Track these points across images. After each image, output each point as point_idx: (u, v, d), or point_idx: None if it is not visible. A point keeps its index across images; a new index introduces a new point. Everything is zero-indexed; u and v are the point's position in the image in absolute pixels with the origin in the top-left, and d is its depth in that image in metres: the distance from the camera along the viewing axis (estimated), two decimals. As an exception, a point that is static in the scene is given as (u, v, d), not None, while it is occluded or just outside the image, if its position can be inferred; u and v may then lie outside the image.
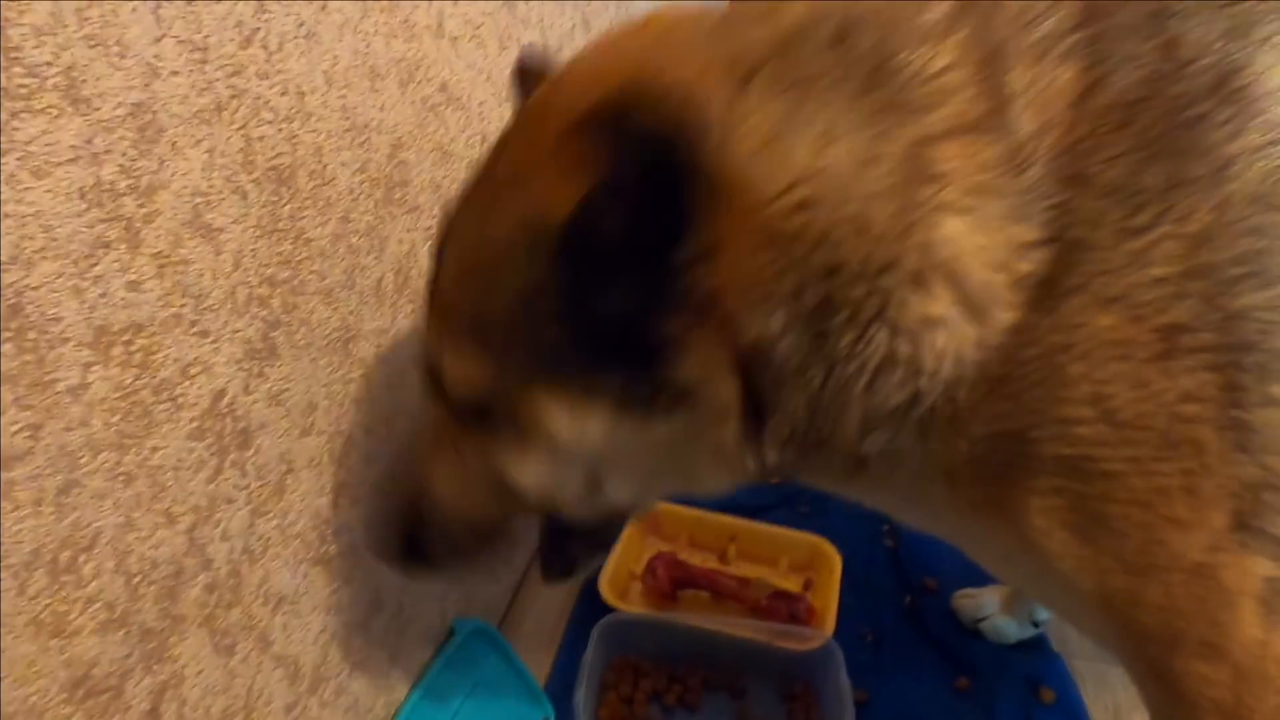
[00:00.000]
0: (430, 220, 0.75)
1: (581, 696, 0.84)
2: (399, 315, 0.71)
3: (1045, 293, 0.46)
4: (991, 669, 1.02)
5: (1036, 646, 1.05)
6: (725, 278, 0.44)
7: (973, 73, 0.46)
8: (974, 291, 0.46)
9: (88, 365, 0.41)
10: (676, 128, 0.41)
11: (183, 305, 0.47)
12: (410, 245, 0.72)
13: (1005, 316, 0.46)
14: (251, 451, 0.54)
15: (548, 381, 0.49)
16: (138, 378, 0.44)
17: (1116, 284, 0.45)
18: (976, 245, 0.45)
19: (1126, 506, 0.47)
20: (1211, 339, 0.44)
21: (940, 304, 0.46)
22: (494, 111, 0.86)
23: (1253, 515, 0.46)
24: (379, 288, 0.68)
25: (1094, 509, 0.48)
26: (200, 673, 0.52)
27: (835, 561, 1.09)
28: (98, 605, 0.43)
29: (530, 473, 0.54)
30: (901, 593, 1.14)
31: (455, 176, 0.79)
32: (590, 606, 1.01)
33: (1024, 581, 0.65)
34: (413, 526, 0.60)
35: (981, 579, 1.12)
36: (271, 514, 0.57)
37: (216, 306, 0.50)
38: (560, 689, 0.92)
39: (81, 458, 0.41)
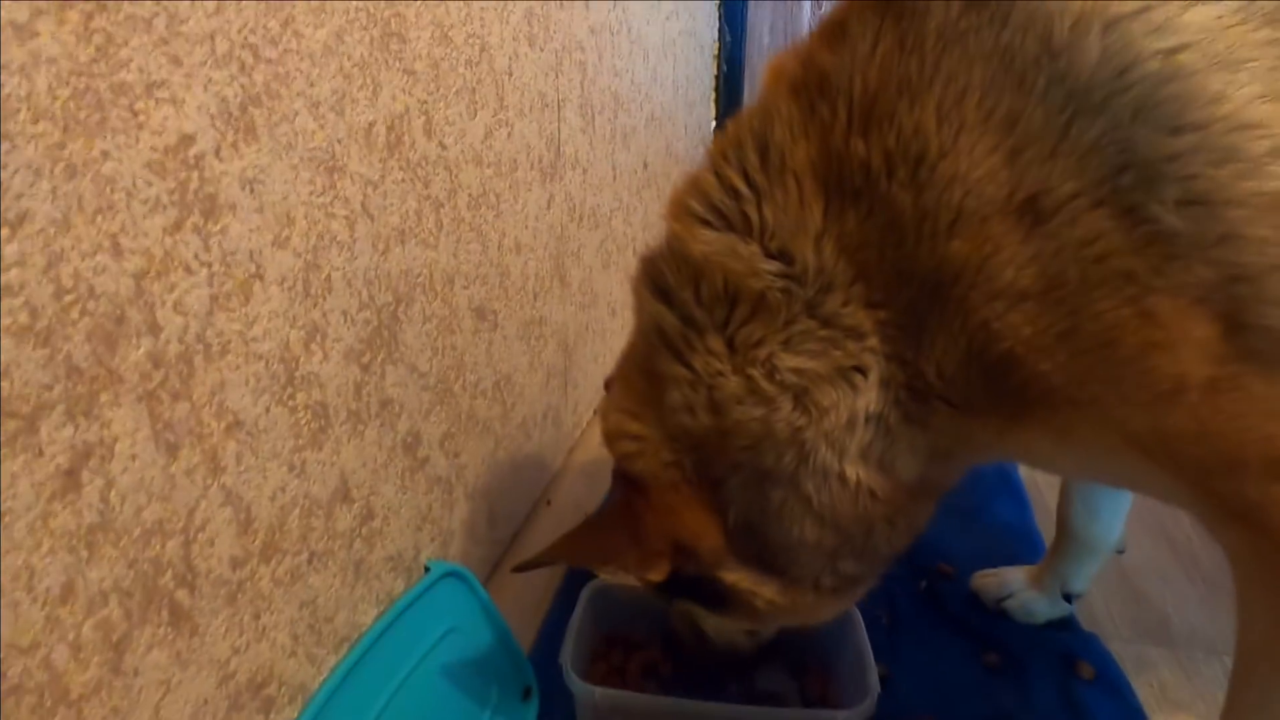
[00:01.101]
0: (425, 95, 0.71)
1: (568, 656, 0.74)
2: (387, 174, 0.66)
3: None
4: (1022, 646, 0.92)
5: (1068, 626, 0.96)
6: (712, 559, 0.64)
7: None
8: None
9: (39, 12, 0.36)
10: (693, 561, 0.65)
11: (155, 15, 0.42)
12: (405, 107, 0.68)
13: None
14: (217, 228, 0.48)
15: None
16: (94, 60, 0.39)
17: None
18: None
19: (1098, 352, 0.47)
20: (1073, 186, 0.44)
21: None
22: (494, 26, 0.85)
23: (1241, 314, 0.42)
24: (369, 133, 0.63)
25: (1075, 369, 0.48)
26: (134, 459, 0.43)
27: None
28: (18, 302, 0.36)
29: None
30: (915, 578, 1.05)
31: (454, 64, 0.76)
32: (580, 578, 0.91)
33: (1084, 470, 0.61)
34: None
35: (994, 561, 1.04)
36: (235, 315, 0.50)
37: (191, 35, 0.45)
38: (544, 660, 0.82)
39: (19, 117, 0.36)
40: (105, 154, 0.40)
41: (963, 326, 0.49)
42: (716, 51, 2.40)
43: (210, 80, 0.47)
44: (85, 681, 0.41)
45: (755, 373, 0.55)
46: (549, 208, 1.07)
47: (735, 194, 0.55)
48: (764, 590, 0.64)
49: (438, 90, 0.74)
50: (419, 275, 0.73)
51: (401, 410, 0.72)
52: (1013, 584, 0.99)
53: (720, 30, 2.40)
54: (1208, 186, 0.41)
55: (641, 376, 0.63)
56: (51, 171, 0.37)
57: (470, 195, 0.83)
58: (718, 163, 0.57)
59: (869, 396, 0.54)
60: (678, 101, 1.92)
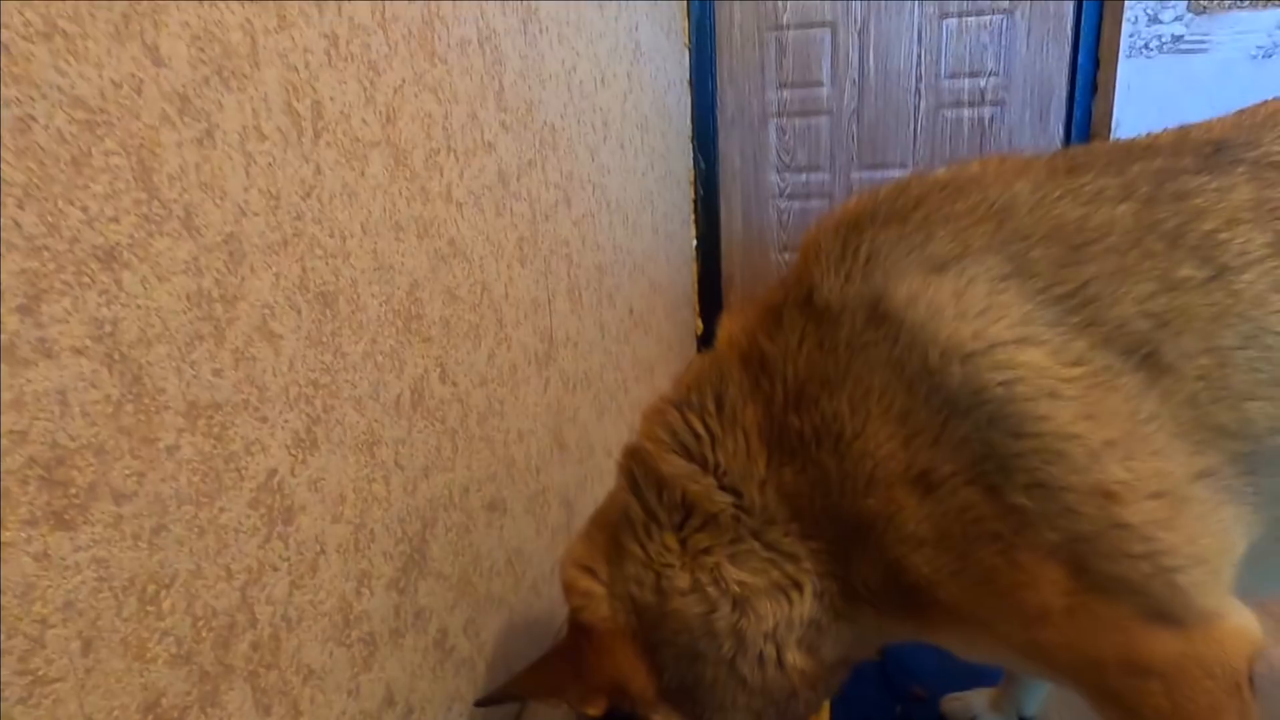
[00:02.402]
0: (440, 350, 0.87)
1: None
2: (413, 428, 0.82)
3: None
4: (986, 767, 1.04)
5: (1027, 744, 1.08)
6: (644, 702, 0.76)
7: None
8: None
9: (180, 431, 0.52)
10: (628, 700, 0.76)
11: (249, 393, 0.58)
12: (424, 369, 0.84)
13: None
14: (293, 528, 0.63)
15: None
16: (215, 445, 0.55)
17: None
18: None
19: (981, 586, 0.61)
20: (951, 468, 0.59)
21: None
22: (491, 265, 1.02)
23: (1082, 561, 0.57)
24: (398, 402, 0.79)
25: (965, 598, 0.63)
26: (242, 726, 0.58)
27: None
28: (170, 639, 0.51)
29: None
30: (891, 703, 1.17)
31: (460, 315, 0.93)
32: None
33: (990, 661, 0.74)
34: None
35: (966, 683, 1.16)
36: (306, 588, 0.65)
37: (273, 398, 0.61)
38: (564, 809, 0.94)
39: (170, 506, 0.51)
40: (222, 509, 0.55)
41: (880, 558, 0.64)
42: (693, 179, 2.60)
43: (285, 421, 0.62)
44: None
45: (702, 576, 0.69)
46: (545, 390, 1.23)
47: (696, 435, 0.70)
48: None
49: (449, 342, 0.90)
50: (440, 497, 0.88)
51: (431, 614, 0.86)
52: (975, 707, 1.11)
53: (695, 160, 2.61)
54: (1045, 477, 0.56)
55: (604, 538, 0.77)
56: (190, 536, 0.52)
57: (479, 413, 0.98)
58: (682, 401, 0.72)
59: (804, 606, 0.68)
60: (657, 241, 2.11)
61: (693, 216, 2.65)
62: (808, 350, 0.65)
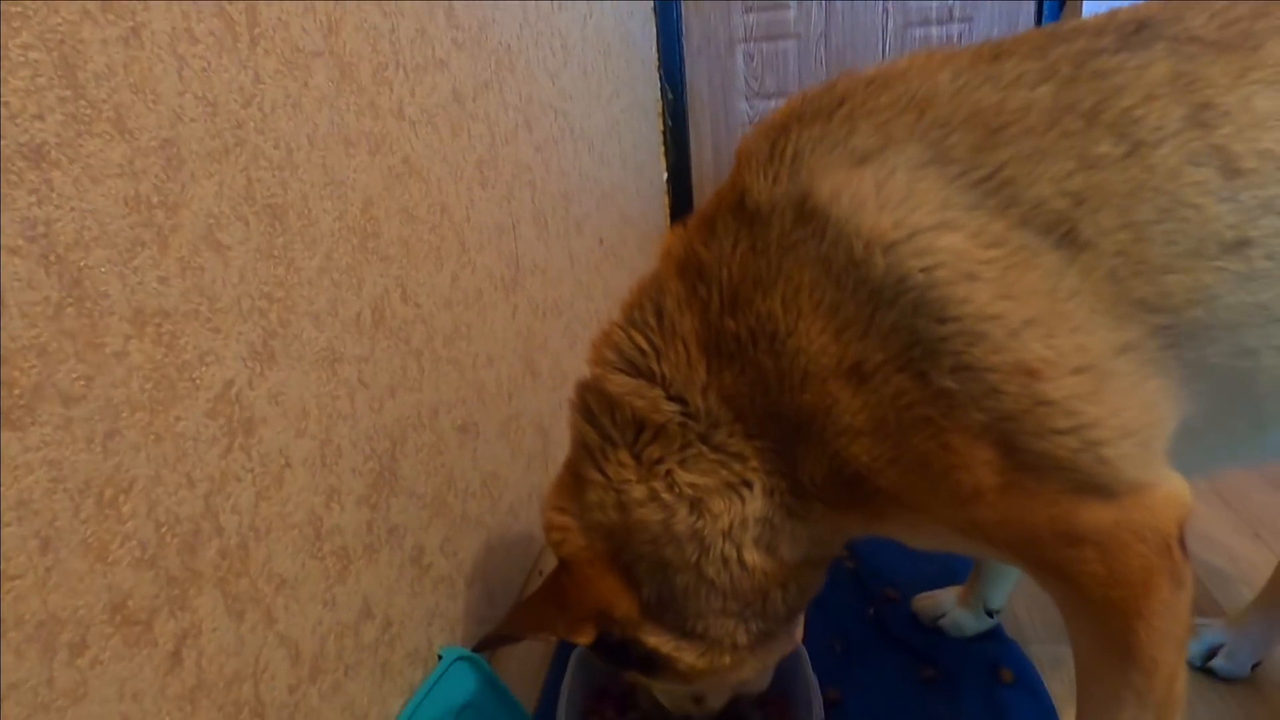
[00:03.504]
0: (400, 270, 0.87)
1: (562, 715, 0.89)
2: (376, 347, 0.82)
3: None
4: (954, 659, 1.08)
5: (994, 636, 1.12)
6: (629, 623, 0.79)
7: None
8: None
9: (127, 337, 0.51)
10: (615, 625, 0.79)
11: (199, 303, 0.57)
12: (384, 288, 0.83)
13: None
14: (255, 440, 0.63)
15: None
16: (166, 354, 0.54)
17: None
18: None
19: (918, 471, 0.63)
20: (881, 357, 0.60)
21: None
22: (450, 186, 1.00)
23: (1011, 441, 0.59)
24: (359, 320, 0.79)
25: (904, 484, 0.64)
26: (215, 630, 0.58)
27: (798, 578, 1.16)
28: (133, 543, 0.51)
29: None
30: (865, 605, 1.20)
31: (420, 236, 0.92)
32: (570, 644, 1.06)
33: (936, 547, 0.76)
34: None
35: (936, 583, 1.19)
36: (273, 500, 0.65)
37: (225, 309, 0.60)
38: (547, 716, 0.97)
39: (122, 411, 0.51)
40: (178, 418, 0.55)
41: (822, 452, 0.65)
42: (661, 109, 2.56)
43: (240, 333, 0.62)
44: (198, 802, 0.56)
45: (657, 485, 0.71)
46: (514, 316, 1.23)
47: (641, 350, 0.71)
48: (685, 654, 0.78)
49: (409, 262, 0.89)
50: (409, 417, 0.89)
51: (406, 531, 0.87)
52: (945, 604, 1.15)
53: (662, 89, 2.57)
54: (969, 359, 0.57)
55: (571, 478, 0.79)
56: (147, 443, 0.53)
57: (444, 335, 0.98)
58: (626, 320, 0.74)
59: (756, 503, 0.70)
60: (626, 172, 2.09)
61: (662, 149, 2.62)
62: (741, 254, 0.66)
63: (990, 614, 1.11)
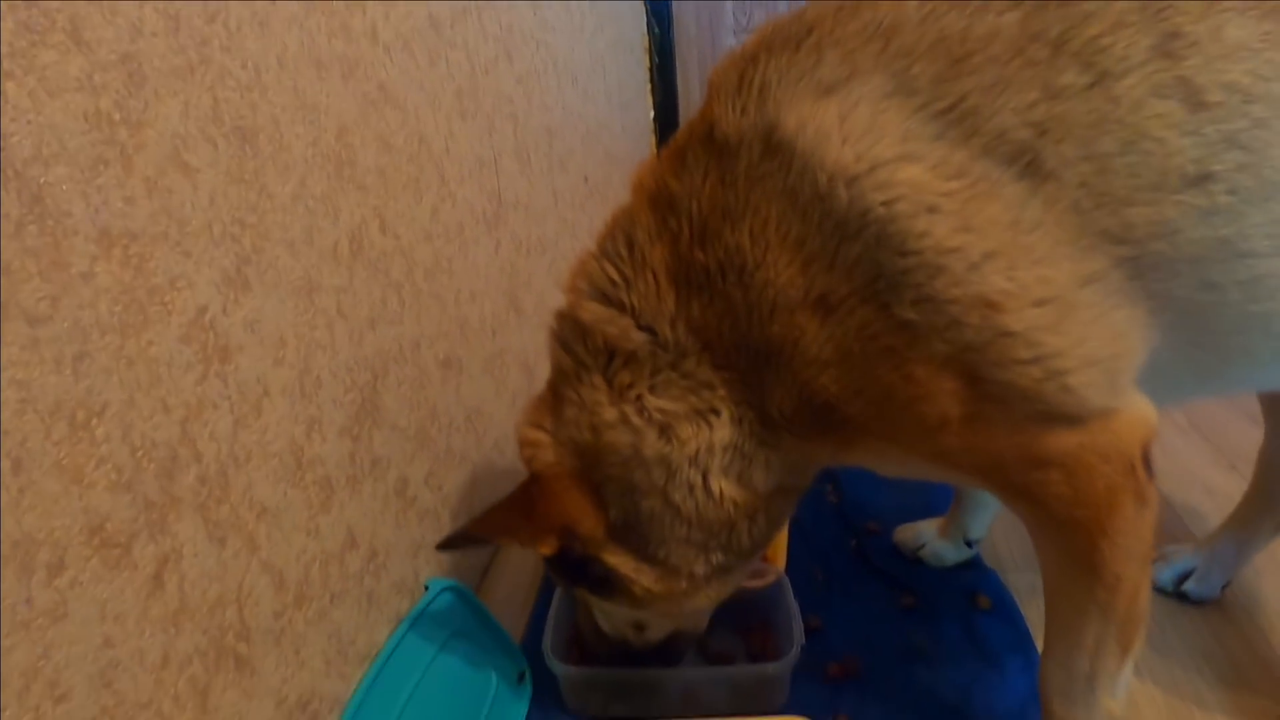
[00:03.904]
0: (377, 200, 0.85)
1: (548, 642, 0.91)
2: (354, 278, 0.81)
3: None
4: (934, 587, 1.10)
5: (973, 565, 1.14)
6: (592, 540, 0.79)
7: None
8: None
9: (94, 258, 0.50)
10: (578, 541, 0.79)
11: (168, 225, 0.56)
12: (361, 218, 0.82)
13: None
14: (231, 367, 0.63)
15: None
16: (135, 276, 0.53)
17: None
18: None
19: (884, 401, 0.63)
20: (847, 289, 0.60)
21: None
22: (428, 116, 0.98)
23: (974, 371, 0.59)
24: (335, 249, 0.77)
25: (871, 413, 0.64)
26: (197, 555, 0.59)
27: (781, 512, 1.17)
28: (108, 466, 0.51)
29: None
30: (847, 538, 1.22)
31: (398, 166, 0.90)
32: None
33: (905, 474, 0.76)
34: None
35: (917, 516, 1.21)
36: (252, 428, 0.65)
37: (196, 233, 0.59)
38: (534, 645, 0.98)
39: (91, 334, 0.50)
40: (150, 342, 0.55)
41: (790, 383, 0.65)
42: (647, 45, 2.51)
43: (212, 259, 0.61)
44: (185, 720, 0.57)
45: (627, 409, 0.71)
46: (497, 252, 1.21)
47: (612, 281, 0.71)
48: (642, 577, 0.78)
49: (386, 192, 0.88)
50: (390, 350, 0.88)
51: (389, 463, 0.87)
52: (925, 535, 1.16)
53: (649, 24, 2.50)
54: (930, 291, 0.57)
55: (549, 396, 0.80)
56: (118, 367, 0.52)
57: (425, 268, 0.97)
58: (599, 250, 0.73)
59: (724, 431, 0.70)
60: (612, 109, 2.05)
61: (649, 86, 2.57)
62: (710, 186, 0.65)
63: (969, 544, 1.13)
